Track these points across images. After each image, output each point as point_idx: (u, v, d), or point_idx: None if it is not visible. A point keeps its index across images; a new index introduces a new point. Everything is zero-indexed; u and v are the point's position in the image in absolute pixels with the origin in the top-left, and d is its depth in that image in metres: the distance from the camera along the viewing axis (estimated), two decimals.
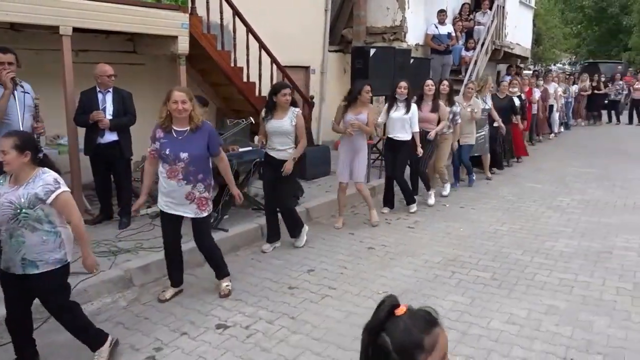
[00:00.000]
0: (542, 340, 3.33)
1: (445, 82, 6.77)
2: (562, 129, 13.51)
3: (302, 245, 4.99)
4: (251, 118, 5.99)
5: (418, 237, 5.38)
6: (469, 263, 4.64)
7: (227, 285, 3.96)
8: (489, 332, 3.43)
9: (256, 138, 5.20)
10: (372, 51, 7.39)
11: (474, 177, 7.71)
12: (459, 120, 6.82)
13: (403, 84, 5.96)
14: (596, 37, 32.61)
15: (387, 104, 6.12)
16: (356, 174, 5.51)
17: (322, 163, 7.47)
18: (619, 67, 20.44)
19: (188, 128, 3.61)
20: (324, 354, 3.18)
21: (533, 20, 16.96)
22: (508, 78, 10.54)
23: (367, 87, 5.42)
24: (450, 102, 6.72)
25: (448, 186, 7.06)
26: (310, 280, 4.26)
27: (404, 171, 6.16)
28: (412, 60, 8.12)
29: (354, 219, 5.99)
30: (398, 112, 5.92)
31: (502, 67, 14.51)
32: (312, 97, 8.36)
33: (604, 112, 16.25)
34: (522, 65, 15.73)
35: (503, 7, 12.26)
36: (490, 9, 11.43)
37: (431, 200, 6.56)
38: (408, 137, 5.95)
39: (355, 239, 5.30)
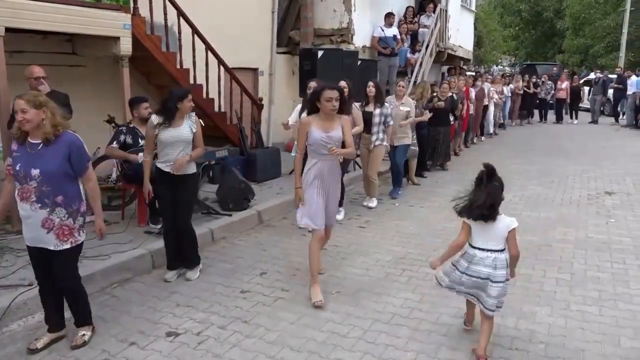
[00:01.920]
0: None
1: (371, 84, 6.32)
2: (496, 130, 13.81)
3: (194, 279, 4.25)
4: (200, 121, 5.89)
5: (369, 237, 5.46)
6: (418, 260, 4.75)
7: (83, 335, 3.27)
8: (438, 327, 3.52)
9: (140, 155, 4.64)
10: (320, 53, 7.46)
11: (400, 191, 7.13)
12: (391, 122, 6.37)
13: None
14: (533, 40, 34.27)
15: (303, 108, 5.54)
16: (332, 215, 4.12)
17: (273, 165, 7.44)
18: (555, 68, 21.52)
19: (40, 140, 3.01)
20: (278, 356, 3.16)
21: (474, 24, 17.58)
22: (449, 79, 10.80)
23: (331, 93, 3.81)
24: (380, 104, 6.29)
25: (374, 200, 6.57)
26: (263, 283, 4.24)
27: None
28: (359, 62, 8.23)
29: None
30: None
31: (446, 69, 14.98)
32: (261, 99, 8.32)
33: (536, 112, 17.10)
34: (465, 67, 16.27)
35: (446, 11, 12.66)
36: (434, 12, 11.76)
37: (340, 216, 5.89)
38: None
39: (307, 240, 5.24)
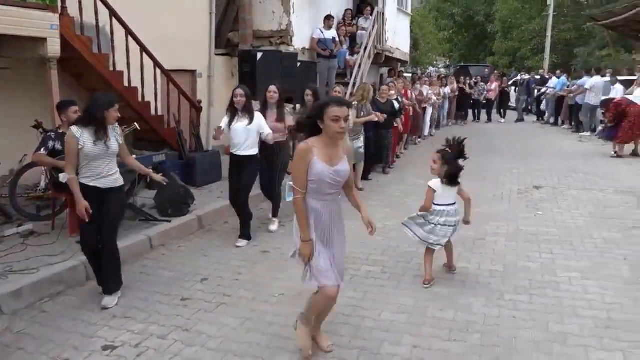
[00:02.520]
0: (429, 325, 3.56)
1: (309, 92, 5.96)
2: (433, 130, 14.14)
3: (112, 307, 3.83)
4: (136, 124, 5.73)
5: None
6: (359, 259, 4.83)
7: None
8: (380, 324, 3.59)
9: (62, 176, 4.31)
10: (259, 55, 7.42)
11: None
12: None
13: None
14: (466, 43, 35.67)
15: (228, 115, 5.20)
16: (341, 266, 3.21)
17: (213, 169, 7.33)
18: (486, 70, 22.51)
19: None
20: None
21: (410, 26, 18.07)
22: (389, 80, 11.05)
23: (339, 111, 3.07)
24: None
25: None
26: (205, 290, 4.16)
27: (248, 195, 5.36)
28: (299, 64, 8.26)
29: None
30: (241, 123, 5.12)
31: (385, 70, 15.30)
32: (200, 102, 8.18)
33: (470, 112, 17.84)
34: (402, 69, 16.70)
35: (383, 14, 12.93)
36: (371, 15, 11.99)
37: (273, 227, 5.72)
38: (254, 152, 5.25)
39: (249, 244, 5.26)
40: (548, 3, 25.16)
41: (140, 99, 6.79)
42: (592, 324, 3.55)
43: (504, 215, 6.25)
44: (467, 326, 3.55)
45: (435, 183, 4.26)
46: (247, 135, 5.11)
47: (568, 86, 15.35)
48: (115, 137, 3.90)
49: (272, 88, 5.52)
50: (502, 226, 5.79)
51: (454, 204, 4.28)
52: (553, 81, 16.42)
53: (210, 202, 6.30)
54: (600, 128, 12.88)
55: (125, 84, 6.58)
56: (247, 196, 5.32)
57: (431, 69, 30.65)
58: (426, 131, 13.49)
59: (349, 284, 4.27)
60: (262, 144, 5.35)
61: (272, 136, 5.27)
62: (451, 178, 4.26)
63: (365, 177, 8.15)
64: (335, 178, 2.95)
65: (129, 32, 6.50)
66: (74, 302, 3.92)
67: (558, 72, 17.13)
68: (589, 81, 13.59)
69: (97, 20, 6.17)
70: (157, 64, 6.97)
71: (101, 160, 3.81)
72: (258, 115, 5.20)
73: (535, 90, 17.90)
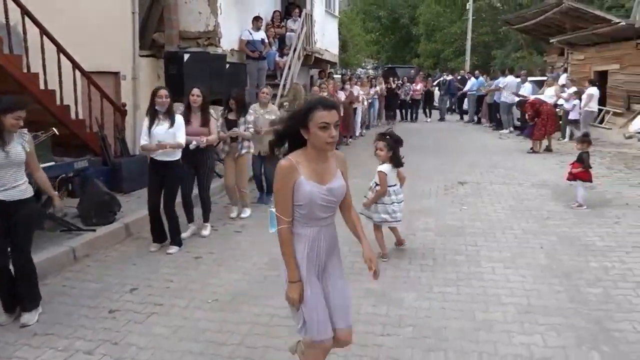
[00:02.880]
0: (363, 321, 3.62)
1: (196, 91, 5.42)
2: (364, 131, 14.30)
3: (32, 324, 3.61)
4: (54, 129, 5.41)
5: (245, 241, 5.43)
6: None
7: None
8: None
9: None
10: (186, 56, 7.25)
11: (272, 197, 6.91)
12: (252, 130, 6.11)
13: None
14: (392, 44, 36.77)
15: (147, 118, 4.99)
16: (346, 311, 2.65)
17: (140, 174, 7.04)
18: (412, 71, 23.30)
19: None
20: None
21: (338, 28, 18.35)
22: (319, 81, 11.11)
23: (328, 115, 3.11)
24: (244, 112, 6.08)
25: (247, 211, 6.32)
26: (134, 300, 4.01)
27: (174, 200, 5.16)
28: (228, 66, 8.14)
29: None
30: (161, 127, 4.91)
31: (315, 72, 15.43)
32: (124, 105, 7.86)
33: (398, 112, 18.38)
34: (332, 70, 16.91)
35: (311, 15, 13.04)
36: (300, 16, 12.05)
37: (205, 232, 5.62)
38: (176, 157, 5.04)
39: (180, 250, 5.13)
40: (467, 7, 26.47)
41: (58, 102, 6.42)
42: (514, 310, 3.77)
43: (432, 210, 6.49)
44: (400, 320, 3.65)
45: (386, 167, 4.87)
46: (169, 139, 4.91)
47: (486, 86, 16.28)
48: (22, 144, 3.59)
49: (195, 91, 5.41)
50: (431, 221, 6.02)
51: (396, 184, 4.98)
52: (472, 81, 17.33)
53: (138, 208, 6.07)
54: (513, 127, 13.82)
55: (42, 86, 6.19)
56: (173, 203, 5.13)
57: (360, 70, 31.28)
58: (357, 131, 13.69)
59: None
60: (185, 148, 5.19)
61: (197, 142, 5.29)
62: (397, 160, 4.90)
63: None
64: (329, 198, 2.45)
65: (43, 32, 6.13)
66: None
67: (477, 72, 18.07)
68: (502, 80, 14.59)
69: (7, 18, 5.77)
70: (76, 65, 6.62)
71: (3, 171, 3.50)
72: (179, 119, 5.04)
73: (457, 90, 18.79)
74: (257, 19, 10.54)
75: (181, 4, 9.61)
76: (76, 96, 6.73)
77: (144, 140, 4.94)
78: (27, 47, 6.02)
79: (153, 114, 4.95)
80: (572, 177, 6.55)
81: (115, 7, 8.33)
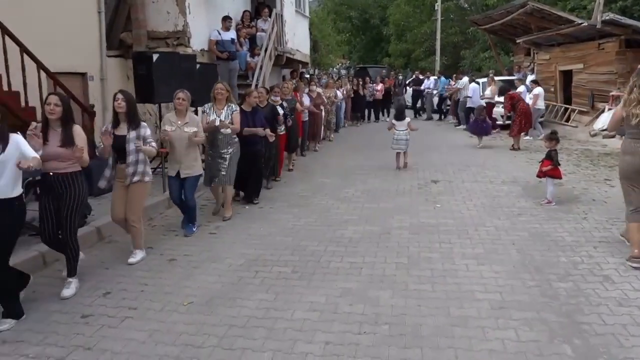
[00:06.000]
0: (340, 321, 3.63)
1: (120, 96, 4.71)
2: (332, 135, 13.48)
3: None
4: (18, 132, 5.23)
5: (221, 242, 5.38)
6: (270, 260, 4.82)
7: None
8: (293, 323, 3.61)
9: None
10: (155, 56, 7.11)
11: (194, 228, 5.69)
12: (153, 144, 4.83)
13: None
14: (364, 45, 37.06)
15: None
16: None
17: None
18: (384, 70, 23.47)
19: None
20: None
21: (309, 29, 18.35)
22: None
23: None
24: (135, 125, 4.70)
25: (139, 254, 4.88)
26: (107, 304, 3.93)
27: (8, 255, 3.78)
28: (198, 66, 8.05)
29: (152, 232, 5.70)
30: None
31: (287, 72, 15.39)
32: (93, 106, 7.69)
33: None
34: (304, 70, 16.91)
35: (281, 15, 13.01)
36: (270, 16, 12.01)
37: (68, 292, 4.13)
38: (14, 193, 3.65)
39: (154, 253, 5.05)
40: (436, 8, 26.84)
41: (23, 104, 6.23)
42: (488, 306, 3.84)
43: (407, 209, 6.56)
44: (376, 318, 3.67)
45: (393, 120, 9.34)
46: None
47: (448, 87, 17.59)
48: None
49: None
50: (405, 219, 6.08)
51: (405, 130, 9.14)
52: (429, 81, 18.67)
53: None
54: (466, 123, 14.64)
55: (5, 88, 6.01)
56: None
57: (333, 70, 31.37)
58: (321, 134, 12.31)
59: (260, 286, 4.26)
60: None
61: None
62: (398, 115, 9.35)
63: (250, 198, 6.94)
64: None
65: (5, 32, 5.95)
66: None
67: (437, 72, 19.09)
68: (460, 82, 16.10)
69: None
70: (41, 66, 6.44)
71: None
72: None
73: (409, 89, 19.82)
74: (226, 19, 10.45)
75: (148, 4, 9.46)
76: (42, 97, 6.54)
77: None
78: None
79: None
80: (543, 174, 6.71)
81: (80, 8, 8.15)
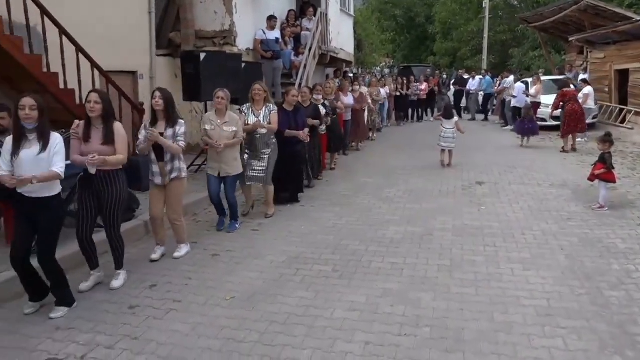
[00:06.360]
0: (380, 321, 3.61)
1: (157, 94, 4.71)
2: (374, 135, 13.22)
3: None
4: (64, 131, 5.47)
5: (263, 239, 5.45)
6: (311, 259, 4.84)
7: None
8: (333, 322, 3.61)
9: None
10: (203, 56, 7.28)
11: (237, 224, 5.78)
12: (183, 144, 4.74)
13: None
14: (408, 43, 36.65)
15: (12, 135, 3.66)
16: None
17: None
18: (428, 70, 23.13)
19: None
20: None
21: (354, 27, 18.30)
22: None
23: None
24: (172, 123, 4.69)
25: (184, 248, 4.99)
26: (153, 296, 4.05)
27: (55, 248, 3.79)
28: (243, 65, 8.17)
29: (196, 227, 5.83)
30: (30, 149, 3.59)
31: (331, 71, 15.41)
32: (142, 104, 7.93)
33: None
34: (347, 69, 16.87)
35: (326, 15, 13.02)
36: (315, 15, 12.04)
37: (117, 282, 4.26)
38: (53, 192, 3.70)
39: (198, 248, 5.16)
40: (484, 6, 26.22)
41: (77, 101, 6.50)
42: (534, 312, 3.72)
43: (450, 210, 6.44)
44: (417, 321, 3.63)
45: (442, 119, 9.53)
46: (38, 165, 3.65)
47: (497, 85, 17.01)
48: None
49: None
50: (449, 221, 5.97)
51: (452, 128, 9.26)
52: (474, 81, 18.09)
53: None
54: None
55: (61, 85, 6.28)
56: (54, 251, 3.81)
57: (376, 69, 31.19)
58: (366, 134, 12.19)
59: (301, 284, 4.28)
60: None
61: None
62: (446, 114, 9.56)
63: (294, 197, 6.90)
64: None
65: (62, 32, 6.21)
66: (12, 315, 3.71)
67: (483, 72, 18.37)
68: (506, 81, 15.63)
69: (27, 19, 5.86)
70: (94, 64, 6.70)
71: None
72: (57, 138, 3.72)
73: (452, 89, 19.16)
74: (271, 18, 10.56)
75: (197, 4, 9.68)
76: None
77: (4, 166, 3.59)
78: (47, 47, 6.12)
79: (18, 131, 3.61)
80: (595, 177, 6.45)
81: (133, 7, 8.42)
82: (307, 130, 6.84)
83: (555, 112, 11.75)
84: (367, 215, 6.27)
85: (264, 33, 10.38)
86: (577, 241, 5.21)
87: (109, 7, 7.75)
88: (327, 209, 6.60)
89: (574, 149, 10.82)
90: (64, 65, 6.26)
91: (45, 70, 6.09)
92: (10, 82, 6.32)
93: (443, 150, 9.37)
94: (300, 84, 10.15)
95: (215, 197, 5.68)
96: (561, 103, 11.12)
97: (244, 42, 10.14)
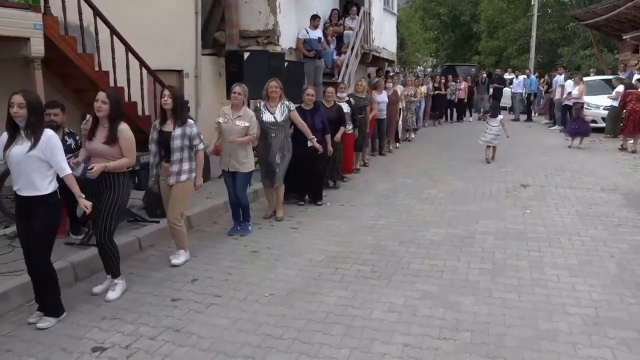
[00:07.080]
0: (419, 324, 3.56)
1: (167, 92, 4.51)
2: (412, 135, 12.94)
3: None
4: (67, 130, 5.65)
5: (301, 237, 5.48)
6: (350, 258, 4.83)
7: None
8: (371, 323, 3.59)
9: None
10: (246, 55, 7.38)
11: (249, 226, 5.65)
12: (201, 146, 4.63)
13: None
14: (452, 42, 35.97)
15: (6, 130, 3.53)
16: None
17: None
18: (473, 69, 22.65)
19: None
20: None
21: (397, 26, 18.14)
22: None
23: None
24: (181, 122, 4.52)
25: (182, 255, 4.73)
26: (195, 290, 4.13)
27: (49, 253, 3.61)
28: (286, 64, 8.23)
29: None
30: (22, 145, 3.43)
31: (373, 70, 15.34)
32: (187, 102, 8.11)
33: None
34: (389, 69, 16.74)
35: (369, 14, 12.97)
36: (358, 15, 12.02)
37: (113, 294, 3.99)
38: (46, 191, 3.49)
39: (239, 244, 5.24)
40: (532, 3, 25.43)
41: (126, 99, 6.73)
42: (580, 321, 3.59)
43: (493, 213, 6.29)
44: (457, 324, 3.56)
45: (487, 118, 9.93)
46: (37, 166, 3.49)
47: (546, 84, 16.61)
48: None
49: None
50: (491, 224, 5.84)
51: (497, 126, 9.55)
52: (519, 80, 17.62)
53: (198, 202, 6.25)
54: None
55: (112, 83, 6.52)
56: (49, 255, 3.62)
57: (419, 68, 30.80)
58: (400, 134, 11.94)
59: (339, 283, 4.28)
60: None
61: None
62: (492, 112, 9.91)
63: (314, 199, 6.79)
64: None
65: (113, 32, 6.44)
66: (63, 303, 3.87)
67: (527, 71, 17.89)
68: (559, 79, 15.09)
69: (80, 20, 6.11)
70: (142, 63, 6.91)
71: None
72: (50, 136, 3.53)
73: (491, 89, 18.50)
74: (314, 18, 10.60)
75: (242, 4, 9.84)
76: (143, 93, 7.03)
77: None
78: (99, 46, 6.36)
79: (12, 128, 3.49)
80: None
81: (179, 8, 8.64)
82: (328, 136, 6.64)
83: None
84: (407, 216, 6.21)
85: (307, 32, 10.43)
86: (627, 248, 4.99)
87: (157, 8, 7.98)
88: (366, 208, 6.58)
89: (634, 151, 10.39)
90: (114, 64, 6.49)
91: (97, 68, 6.33)
92: (64, 79, 6.61)
93: (488, 147, 9.61)
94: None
95: (232, 195, 5.51)
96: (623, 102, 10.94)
97: (287, 41, 10.23)
